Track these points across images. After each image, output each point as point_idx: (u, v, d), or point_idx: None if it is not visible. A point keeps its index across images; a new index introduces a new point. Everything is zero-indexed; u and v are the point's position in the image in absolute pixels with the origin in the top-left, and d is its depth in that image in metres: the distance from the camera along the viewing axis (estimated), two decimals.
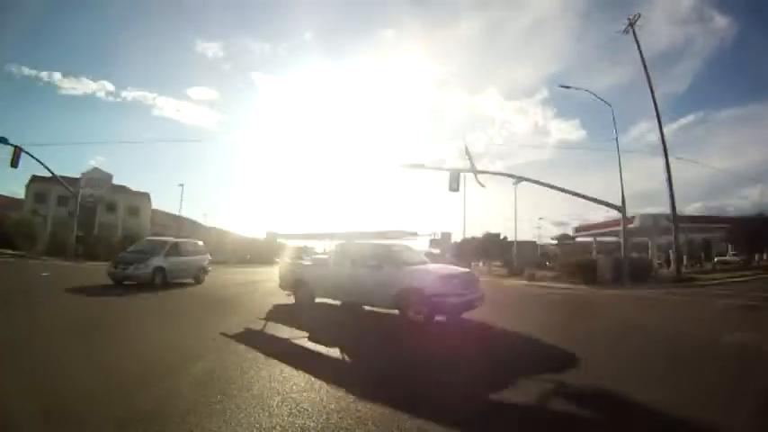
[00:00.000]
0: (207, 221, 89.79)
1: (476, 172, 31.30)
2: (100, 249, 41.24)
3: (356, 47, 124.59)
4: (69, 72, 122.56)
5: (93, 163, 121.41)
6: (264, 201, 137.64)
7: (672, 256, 38.99)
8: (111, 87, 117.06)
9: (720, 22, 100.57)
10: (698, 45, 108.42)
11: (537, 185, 32.23)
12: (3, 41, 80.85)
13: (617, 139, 35.52)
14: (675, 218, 32.39)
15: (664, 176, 30.11)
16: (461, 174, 28.02)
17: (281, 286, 15.38)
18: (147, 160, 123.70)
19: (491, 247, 51.48)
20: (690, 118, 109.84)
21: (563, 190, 32.07)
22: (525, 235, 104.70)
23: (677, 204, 31.95)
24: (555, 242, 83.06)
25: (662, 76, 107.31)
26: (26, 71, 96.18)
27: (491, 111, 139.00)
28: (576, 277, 32.59)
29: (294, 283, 14.73)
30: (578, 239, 77.67)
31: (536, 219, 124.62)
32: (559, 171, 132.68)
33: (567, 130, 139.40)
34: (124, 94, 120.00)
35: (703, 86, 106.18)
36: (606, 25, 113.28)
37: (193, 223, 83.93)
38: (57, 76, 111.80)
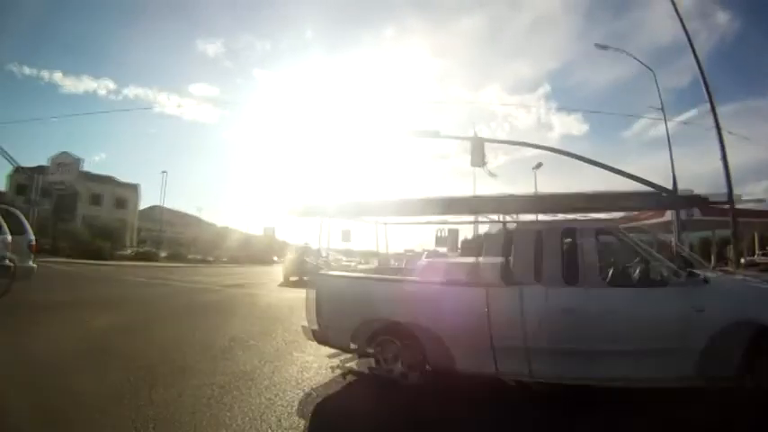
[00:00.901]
0: (202, 215, 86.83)
1: (493, 141, 25.70)
2: (64, 243, 35.69)
3: (357, 43, 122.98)
4: (70, 71, 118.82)
5: (96, 159, 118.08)
6: (264, 196, 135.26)
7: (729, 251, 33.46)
8: (112, 86, 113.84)
9: (722, 17, 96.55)
10: (700, 40, 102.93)
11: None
12: (3, 41, 76.88)
13: (663, 109, 29.32)
14: (733, 205, 26.86)
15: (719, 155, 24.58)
16: (483, 145, 22.43)
17: (315, 335, 6.23)
18: (148, 157, 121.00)
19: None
20: (692, 112, 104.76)
21: (601, 165, 26.67)
22: None
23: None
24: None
25: (663, 70, 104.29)
26: (27, 70, 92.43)
27: (493, 105, 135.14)
28: None
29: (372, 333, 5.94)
30: None
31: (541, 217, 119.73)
32: (563, 165, 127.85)
33: (570, 125, 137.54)
34: (125, 91, 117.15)
35: (710, 78, 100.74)
36: (607, 22, 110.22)
37: (199, 221, 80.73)
38: (57, 75, 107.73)
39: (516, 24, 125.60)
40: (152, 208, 76.96)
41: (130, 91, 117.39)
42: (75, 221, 52.68)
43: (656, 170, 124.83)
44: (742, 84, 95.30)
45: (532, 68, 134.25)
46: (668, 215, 43.38)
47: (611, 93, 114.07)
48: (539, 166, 44.31)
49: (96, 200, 63.42)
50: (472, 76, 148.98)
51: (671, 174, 25.81)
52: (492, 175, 56.25)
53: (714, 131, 23.86)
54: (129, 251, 43.24)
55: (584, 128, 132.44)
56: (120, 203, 66.20)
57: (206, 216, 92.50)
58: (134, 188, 68.63)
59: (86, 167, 54.02)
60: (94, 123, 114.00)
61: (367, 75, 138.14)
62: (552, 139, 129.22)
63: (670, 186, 23.56)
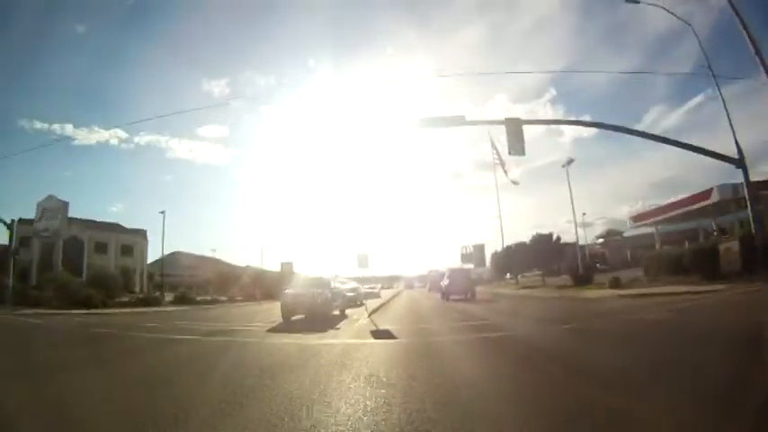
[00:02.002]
0: (222, 257, 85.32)
1: (533, 123, 21.52)
2: (53, 293, 32.15)
3: (360, 68, 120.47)
4: (81, 123, 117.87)
5: (114, 210, 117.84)
6: (281, 231, 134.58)
7: None
8: (123, 135, 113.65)
9: None
10: (697, 23, 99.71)
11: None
12: (11, 96, 76.84)
13: (710, 67, 24.67)
14: None
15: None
16: (521, 128, 18.18)
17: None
18: (164, 203, 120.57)
19: (543, 253, 41.11)
20: (699, 97, 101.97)
21: (662, 139, 22.45)
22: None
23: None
24: (600, 241, 71.64)
25: (665, 59, 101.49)
26: (38, 125, 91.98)
27: (500, 117, 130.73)
28: (676, 273, 25.18)
29: None
30: (627, 234, 67.74)
31: (558, 222, 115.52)
32: (577, 167, 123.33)
33: (580, 127, 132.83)
34: (137, 139, 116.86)
35: (710, 63, 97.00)
36: (605, 16, 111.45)
37: (218, 262, 78.57)
38: (68, 127, 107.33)
39: (515, 30, 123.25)
40: (173, 254, 75.22)
41: (141, 138, 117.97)
42: (82, 271, 51.60)
43: (670, 162, 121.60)
44: (745, 62, 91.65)
45: (536, 74, 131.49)
46: (714, 196, 38.84)
47: (616, 88, 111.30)
48: (570, 162, 40.41)
49: (102, 248, 61.02)
50: (478, 89, 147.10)
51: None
52: (515, 183, 51.74)
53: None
54: (127, 298, 40.93)
55: (594, 129, 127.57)
56: (127, 250, 63.21)
57: (226, 257, 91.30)
58: (141, 233, 65.36)
59: (104, 218, 53.20)
60: (109, 174, 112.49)
61: (371, 98, 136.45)
62: (564, 143, 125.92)
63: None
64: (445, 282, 35.71)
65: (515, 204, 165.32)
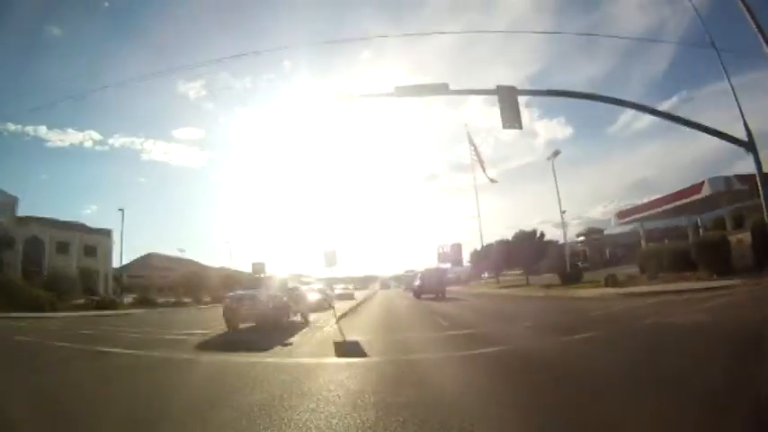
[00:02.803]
0: (200, 259, 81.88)
1: (528, 93, 18.65)
2: None
3: (336, 71, 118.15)
4: (54, 124, 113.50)
5: (87, 212, 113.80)
6: (256, 234, 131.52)
7: None
8: (97, 136, 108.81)
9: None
10: (671, 25, 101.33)
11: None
12: None
13: (712, 43, 21.81)
14: None
15: None
16: (516, 100, 15.36)
17: None
18: (138, 205, 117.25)
19: (526, 251, 38.38)
20: (674, 99, 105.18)
21: (668, 116, 20.06)
22: None
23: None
24: (581, 239, 69.37)
25: (639, 61, 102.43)
26: (11, 127, 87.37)
27: (476, 120, 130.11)
28: (679, 269, 23.08)
29: None
30: (608, 232, 65.67)
31: (532, 223, 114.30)
32: (551, 167, 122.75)
33: (554, 129, 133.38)
34: (111, 141, 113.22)
35: (682, 66, 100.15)
36: (579, 19, 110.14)
37: (190, 263, 75.36)
38: (42, 129, 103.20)
39: (491, 33, 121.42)
40: (147, 255, 75.52)
41: (116, 140, 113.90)
42: (41, 271, 48.21)
43: (644, 162, 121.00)
44: (718, 64, 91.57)
45: (511, 75, 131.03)
46: (706, 189, 36.70)
47: (592, 88, 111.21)
48: (556, 154, 37.96)
49: (63, 248, 56.59)
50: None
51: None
52: (493, 180, 49.27)
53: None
54: (84, 300, 37.58)
55: (569, 130, 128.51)
56: (90, 251, 58.91)
57: (201, 258, 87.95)
58: (105, 233, 61.00)
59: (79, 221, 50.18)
60: (82, 177, 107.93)
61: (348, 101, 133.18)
62: (538, 145, 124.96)
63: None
64: (417, 282, 38.70)
65: (491, 205, 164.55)
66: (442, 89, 17.10)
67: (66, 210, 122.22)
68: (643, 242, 51.89)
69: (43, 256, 52.86)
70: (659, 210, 43.08)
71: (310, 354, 9.65)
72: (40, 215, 56.37)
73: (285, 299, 14.83)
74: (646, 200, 48.26)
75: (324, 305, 23.50)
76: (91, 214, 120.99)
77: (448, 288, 51.49)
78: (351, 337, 12.11)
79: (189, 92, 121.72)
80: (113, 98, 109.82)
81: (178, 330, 15.95)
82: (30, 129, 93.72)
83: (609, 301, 18.09)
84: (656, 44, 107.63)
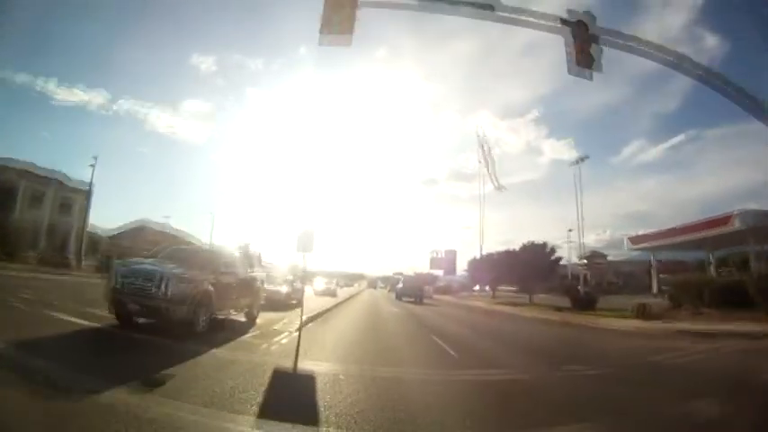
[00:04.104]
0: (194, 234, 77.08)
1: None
2: None
3: (350, 63, 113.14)
4: (65, 80, 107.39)
5: (86, 174, 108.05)
6: (250, 218, 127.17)
7: None
8: (106, 96, 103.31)
9: (710, 41, 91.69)
10: (688, 64, 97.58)
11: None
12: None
13: None
14: None
15: None
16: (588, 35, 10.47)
17: None
18: (138, 174, 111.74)
19: (532, 265, 33.27)
20: (680, 137, 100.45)
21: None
22: None
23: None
24: (583, 262, 64.27)
25: (652, 95, 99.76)
26: (23, 77, 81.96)
27: (483, 131, 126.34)
28: (726, 305, 19.11)
29: None
30: (612, 258, 61.24)
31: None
32: (551, 190, 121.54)
33: (561, 150, 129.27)
34: (119, 103, 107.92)
35: (694, 105, 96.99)
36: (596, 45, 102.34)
37: (176, 238, 70.89)
38: (52, 83, 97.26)
39: (509, 48, 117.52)
40: (140, 222, 68.13)
41: (122, 105, 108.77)
42: (6, 223, 42.46)
43: (642, 196, 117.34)
44: (731, 107, 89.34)
45: (523, 93, 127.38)
46: (735, 223, 32.32)
47: (602, 115, 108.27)
48: (583, 159, 33.15)
49: (36, 201, 50.73)
50: (464, 100, 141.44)
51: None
52: (500, 188, 44.20)
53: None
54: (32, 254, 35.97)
55: (574, 153, 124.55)
56: (65, 208, 53.16)
57: (197, 235, 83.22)
58: (83, 193, 55.59)
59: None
60: (84, 138, 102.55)
61: (358, 94, 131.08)
62: (542, 163, 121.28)
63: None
64: (400, 285, 41.03)
65: (487, 216, 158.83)
66: (486, 10, 12.04)
67: (63, 168, 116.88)
68: (653, 271, 47.78)
69: (14, 205, 48.07)
70: (674, 240, 38.70)
71: (193, 410, 4.50)
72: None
73: (209, 286, 8.84)
74: (646, 230, 45.19)
75: (290, 301, 18.23)
76: (88, 177, 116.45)
77: (437, 297, 47.47)
78: (306, 365, 7.14)
79: (200, 65, 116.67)
80: (125, 59, 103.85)
81: (63, 311, 10.54)
82: (40, 81, 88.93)
83: (674, 341, 13.45)
84: (669, 80, 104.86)
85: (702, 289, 21.83)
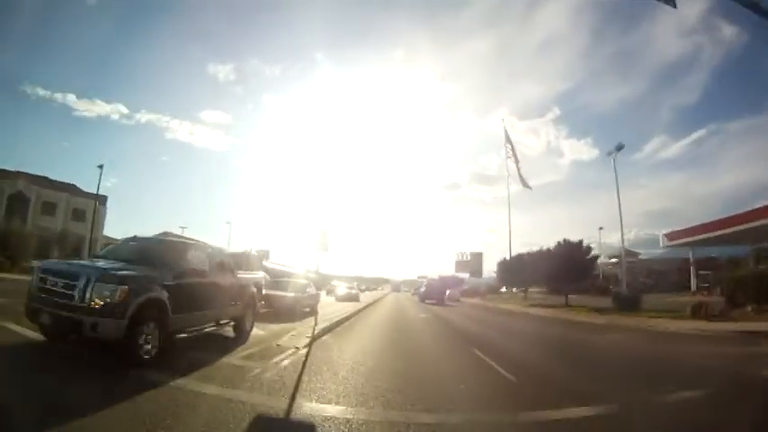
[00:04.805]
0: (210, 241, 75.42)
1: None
2: None
3: (367, 66, 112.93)
4: (83, 94, 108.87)
5: (108, 185, 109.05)
6: (272, 226, 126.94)
7: None
8: (124, 110, 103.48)
9: (728, 31, 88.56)
10: (706, 55, 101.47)
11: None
12: (17, 60, 71.64)
13: None
14: None
15: None
16: None
17: None
18: (160, 182, 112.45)
19: (568, 266, 30.43)
20: (701, 131, 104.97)
21: None
22: None
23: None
24: (613, 261, 60.98)
25: (671, 88, 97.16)
26: (41, 92, 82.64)
27: (502, 132, 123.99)
28: None
29: None
30: (644, 257, 58.25)
31: (551, 244, 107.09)
32: (572, 190, 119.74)
33: (580, 149, 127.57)
34: (138, 116, 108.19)
35: (714, 98, 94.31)
36: (615, 40, 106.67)
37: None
38: (71, 97, 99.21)
39: (525, 45, 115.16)
40: (164, 234, 66.87)
41: (143, 116, 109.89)
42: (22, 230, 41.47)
43: (665, 193, 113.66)
44: (750, 100, 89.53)
45: (542, 91, 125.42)
46: None
47: (622, 111, 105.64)
48: (619, 149, 30.29)
49: (50, 209, 50.54)
50: (481, 100, 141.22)
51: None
52: (527, 186, 41.87)
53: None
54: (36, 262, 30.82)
55: (595, 152, 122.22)
56: (78, 215, 52.16)
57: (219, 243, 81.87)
58: (100, 199, 54.34)
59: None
60: (107, 149, 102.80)
61: (376, 97, 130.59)
62: (563, 165, 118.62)
63: None
64: (423, 289, 42.78)
65: (507, 220, 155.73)
66: None
67: (85, 180, 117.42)
68: (692, 268, 44.91)
69: (27, 214, 47.09)
70: (714, 234, 35.43)
71: None
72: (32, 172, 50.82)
73: (161, 291, 6.09)
74: (672, 228, 43.99)
75: (303, 309, 15.74)
76: (111, 186, 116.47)
77: (464, 300, 45.53)
78: (307, 406, 4.86)
79: (218, 74, 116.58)
80: (143, 73, 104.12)
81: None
82: (59, 95, 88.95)
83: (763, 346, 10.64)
84: (690, 73, 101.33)
85: (763, 285, 19.04)
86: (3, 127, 68.87)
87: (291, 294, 15.65)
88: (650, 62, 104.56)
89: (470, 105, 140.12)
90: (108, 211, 56.86)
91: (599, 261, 42.20)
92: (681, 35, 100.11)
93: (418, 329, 15.22)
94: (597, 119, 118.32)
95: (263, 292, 10.84)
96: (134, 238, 7.80)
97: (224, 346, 8.12)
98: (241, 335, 9.16)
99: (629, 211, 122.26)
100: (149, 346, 5.96)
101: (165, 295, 6.25)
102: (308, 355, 7.90)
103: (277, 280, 16.87)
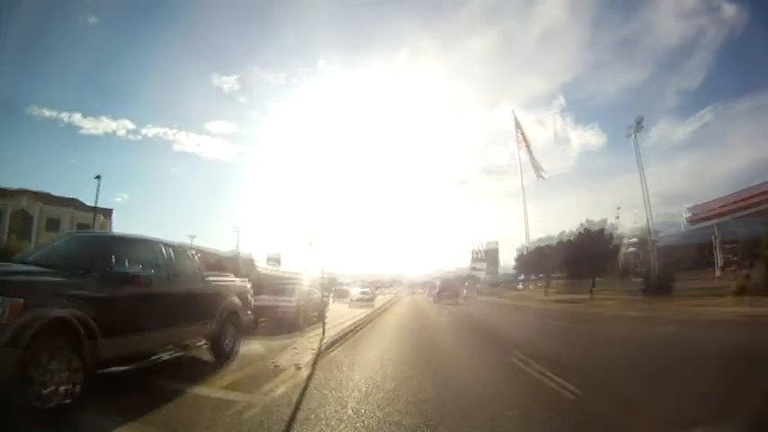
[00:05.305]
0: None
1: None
2: None
3: (371, 70, 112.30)
4: (89, 112, 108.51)
5: (118, 200, 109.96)
6: (285, 230, 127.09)
7: None
8: (131, 126, 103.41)
9: (728, 10, 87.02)
10: (708, 37, 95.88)
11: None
12: (22, 84, 73.28)
13: None
14: None
15: None
16: None
17: None
18: (170, 195, 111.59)
19: (591, 254, 28.64)
20: (707, 112, 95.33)
21: None
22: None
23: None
24: (633, 241, 58.57)
25: (674, 72, 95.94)
26: (46, 113, 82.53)
27: (509, 124, 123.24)
28: None
29: None
30: (664, 236, 55.87)
31: (564, 232, 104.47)
32: (581, 177, 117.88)
33: (587, 136, 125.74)
34: (144, 131, 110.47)
35: (718, 79, 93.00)
36: (615, 28, 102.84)
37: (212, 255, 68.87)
38: (76, 116, 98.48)
39: (526, 39, 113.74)
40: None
41: (149, 133, 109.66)
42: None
43: (676, 174, 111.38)
44: (755, 78, 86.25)
45: (546, 82, 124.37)
46: None
47: (627, 97, 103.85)
48: (639, 122, 28.62)
49: (53, 225, 49.63)
50: (486, 95, 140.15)
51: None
52: (541, 176, 40.79)
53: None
54: None
55: (602, 140, 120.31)
56: (52, 224, 51.66)
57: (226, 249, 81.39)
58: (105, 213, 53.71)
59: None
60: (115, 165, 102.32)
61: (381, 100, 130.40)
62: (571, 152, 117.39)
63: None
64: (437, 289, 42.93)
65: (520, 210, 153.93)
66: None
67: (93, 195, 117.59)
68: (717, 245, 42.12)
69: (30, 231, 46.36)
70: (746, 203, 33.22)
71: None
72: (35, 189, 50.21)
73: (69, 310, 4.11)
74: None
75: (311, 315, 14.07)
76: (122, 202, 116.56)
77: (482, 299, 44.38)
78: None
79: (223, 85, 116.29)
80: (148, 88, 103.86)
81: None
82: (64, 115, 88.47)
83: None
84: (692, 55, 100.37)
85: None
86: (11, 148, 69.05)
87: (293, 302, 13.68)
88: (652, 48, 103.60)
89: (476, 101, 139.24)
90: (115, 223, 55.95)
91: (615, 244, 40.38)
92: (681, 18, 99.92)
93: (443, 337, 13.15)
94: (603, 107, 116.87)
95: (251, 300, 8.86)
96: (67, 234, 6.13)
97: (199, 373, 6.41)
98: (221, 357, 7.34)
99: (637, 194, 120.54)
100: (64, 388, 4.15)
101: (88, 312, 4.46)
102: (310, 377, 6.24)
103: (277, 286, 15.11)
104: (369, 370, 7.12)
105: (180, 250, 6.93)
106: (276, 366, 6.90)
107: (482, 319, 19.39)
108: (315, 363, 7.25)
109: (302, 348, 8.53)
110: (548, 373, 6.34)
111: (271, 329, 10.87)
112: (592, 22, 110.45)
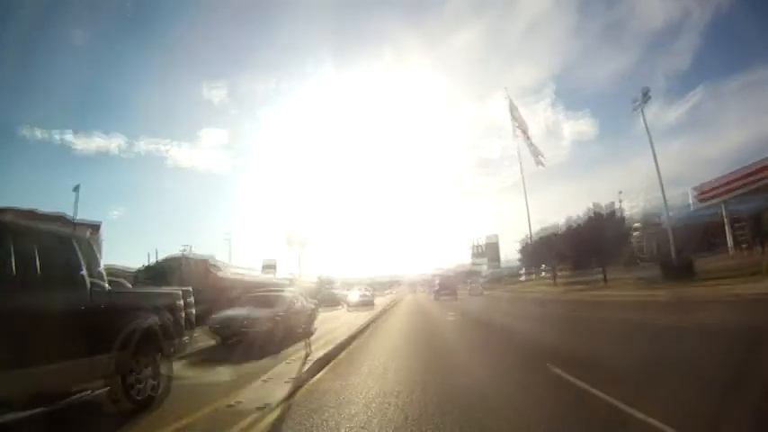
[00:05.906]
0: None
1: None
2: None
3: (360, 71, 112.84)
4: (80, 129, 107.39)
5: (114, 215, 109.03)
6: (282, 236, 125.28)
7: None
8: (123, 141, 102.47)
9: None
10: (694, 16, 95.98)
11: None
12: (11, 104, 69.29)
13: None
14: None
15: None
16: None
17: None
18: (165, 209, 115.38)
19: (601, 238, 26.62)
20: (698, 93, 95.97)
21: None
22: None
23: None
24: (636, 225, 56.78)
25: (663, 54, 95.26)
26: (38, 133, 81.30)
27: (501, 117, 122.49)
28: None
29: None
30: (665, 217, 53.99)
31: (560, 223, 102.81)
32: (575, 168, 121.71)
33: (580, 128, 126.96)
34: (137, 146, 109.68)
35: (706, 58, 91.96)
36: (601, 14, 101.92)
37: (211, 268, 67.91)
38: (68, 135, 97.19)
39: (513, 29, 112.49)
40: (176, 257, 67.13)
41: (142, 146, 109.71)
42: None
43: (669, 159, 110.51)
44: (744, 55, 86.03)
45: (535, 73, 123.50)
46: None
47: (617, 83, 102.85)
48: (646, 94, 26.67)
49: None
50: (477, 89, 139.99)
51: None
52: (541, 163, 39.69)
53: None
54: None
55: (595, 128, 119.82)
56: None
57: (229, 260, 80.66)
58: (94, 227, 51.32)
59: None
60: (110, 181, 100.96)
61: (371, 100, 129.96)
62: (564, 145, 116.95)
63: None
64: (436, 287, 44.22)
65: (516, 204, 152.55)
66: None
67: (90, 213, 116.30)
68: (728, 227, 40.15)
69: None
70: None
71: None
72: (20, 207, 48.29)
73: None
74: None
75: (297, 330, 11.63)
76: (118, 216, 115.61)
77: (487, 293, 44.55)
78: None
79: (213, 95, 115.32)
80: (139, 102, 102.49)
81: None
82: (56, 133, 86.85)
83: None
84: (680, 36, 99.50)
85: None
86: (5, 170, 67.50)
87: (266, 314, 10.86)
88: (639, 31, 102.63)
89: (466, 96, 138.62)
90: (108, 237, 54.19)
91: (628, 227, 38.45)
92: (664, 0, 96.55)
93: (453, 340, 11.16)
94: (593, 94, 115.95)
95: (192, 314, 6.56)
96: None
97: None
98: (134, 404, 4.95)
99: (633, 180, 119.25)
100: None
101: None
102: (276, 428, 4.20)
103: (253, 295, 13.06)
104: (363, 405, 4.93)
105: (39, 233, 4.82)
106: (231, 407, 4.85)
107: (494, 317, 17.41)
108: (289, 398, 5.20)
109: (277, 375, 6.40)
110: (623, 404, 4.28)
111: (244, 350, 8.65)
112: (577, 9, 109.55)
